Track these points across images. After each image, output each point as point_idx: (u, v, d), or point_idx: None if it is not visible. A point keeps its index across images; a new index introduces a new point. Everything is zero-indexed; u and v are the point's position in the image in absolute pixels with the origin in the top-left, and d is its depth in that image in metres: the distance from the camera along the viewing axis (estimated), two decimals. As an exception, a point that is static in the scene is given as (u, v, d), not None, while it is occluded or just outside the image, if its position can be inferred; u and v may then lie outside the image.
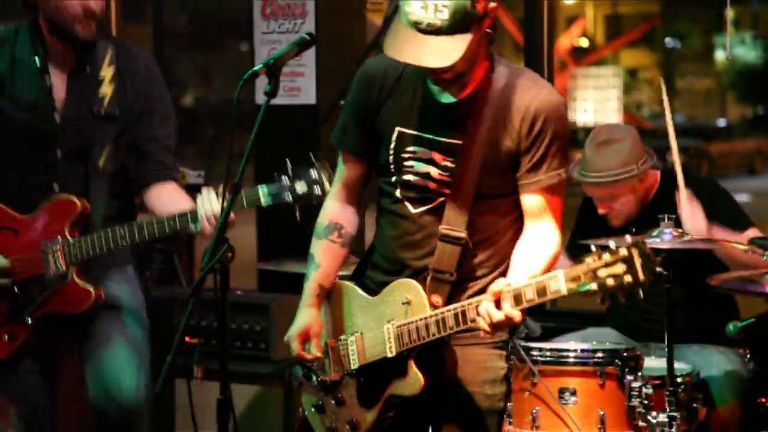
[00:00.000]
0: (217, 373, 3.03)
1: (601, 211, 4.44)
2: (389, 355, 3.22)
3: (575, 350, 3.95)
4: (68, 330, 3.94)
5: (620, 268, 2.85)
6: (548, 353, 3.94)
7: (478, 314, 3.03)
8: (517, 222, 3.28)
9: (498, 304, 3.00)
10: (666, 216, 3.94)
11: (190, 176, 6.54)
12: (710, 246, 4.14)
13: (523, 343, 4.00)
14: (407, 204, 3.26)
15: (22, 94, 3.88)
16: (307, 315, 3.37)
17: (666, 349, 3.91)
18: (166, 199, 3.97)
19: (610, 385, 3.87)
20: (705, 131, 17.55)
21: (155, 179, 3.98)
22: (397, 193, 3.27)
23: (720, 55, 18.17)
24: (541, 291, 2.96)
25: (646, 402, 3.87)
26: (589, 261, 2.88)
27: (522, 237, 3.24)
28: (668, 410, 3.87)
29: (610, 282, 2.85)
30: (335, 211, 3.44)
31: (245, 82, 3.08)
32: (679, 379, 3.96)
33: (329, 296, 3.43)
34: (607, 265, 2.86)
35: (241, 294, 5.47)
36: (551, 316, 5.21)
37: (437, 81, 3.15)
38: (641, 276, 2.83)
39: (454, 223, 3.18)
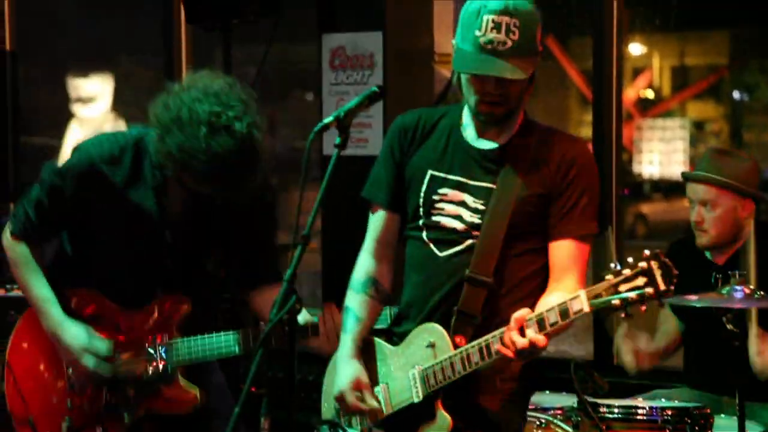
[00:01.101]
0: (284, 425, 3.02)
1: (694, 218, 4.44)
2: (416, 400, 3.24)
3: (644, 407, 3.91)
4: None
5: (641, 280, 2.89)
6: (616, 410, 3.90)
7: (502, 344, 3.05)
8: (544, 272, 3.30)
9: (522, 332, 3.03)
10: (737, 273, 3.89)
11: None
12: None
13: (591, 399, 3.96)
14: (433, 247, 3.30)
15: (138, 207, 3.71)
16: (354, 367, 3.40)
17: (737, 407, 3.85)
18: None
19: (679, 443, 3.82)
20: (773, 184, 17.38)
21: (262, 283, 3.81)
22: (424, 236, 3.32)
23: (790, 108, 18.00)
24: (564, 313, 3.00)
25: (716, 461, 3.81)
26: (609, 277, 2.93)
27: (546, 292, 3.24)
28: (738, 470, 3.81)
29: (632, 295, 2.89)
30: (371, 266, 3.49)
31: (315, 135, 3.10)
32: (750, 439, 3.89)
33: None
34: (627, 279, 2.91)
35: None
36: (620, 373, 5.13)
37: (488, 116, 3.23)
38: (662, 286, 2.87)
39: (481, 267, 3.22)
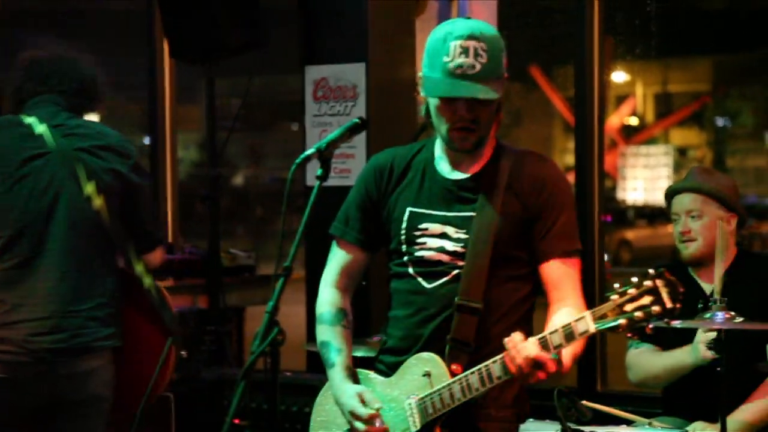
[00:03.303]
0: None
1: (680, 229, 4.46)
2: (413, 429, 3.22)
3: (628, 434, 3.92)
4: None
5: (647, 299, 2.87)
6: (600, 437, 3.91)
7: (506, 356, 3.04)
8: (532, 299, 3.32)
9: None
10: (717, 299, 3.91)
11: (242, 257, 6.57)
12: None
13: (574, 427, 3.97)
14: (421, 280, 3.31)
15: None
16: (352, 386, 3.31)
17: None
18: None
19: (661, 469, 3.83)
20: (756, 210, 17.40)
21: None
22: (410, 270, 3.32)
23: (772, 133, 18.10)
24: (569, 335, 3.00)
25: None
26: (615, 297, 2.91)
27: (550, 312, 3.24)
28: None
29: (638, 314, 2.88)
30: (337, 298, 3.47)
31: (297, 166, 3.12)
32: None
33: None
34: (632, 299, 2.89)
35: (290, 375, 5.48)
36: (603, 401, 5.15)
37: (461, 143, 3.24)
38: (669, 304, 2.86)
39: (470, 293, 3.22)
